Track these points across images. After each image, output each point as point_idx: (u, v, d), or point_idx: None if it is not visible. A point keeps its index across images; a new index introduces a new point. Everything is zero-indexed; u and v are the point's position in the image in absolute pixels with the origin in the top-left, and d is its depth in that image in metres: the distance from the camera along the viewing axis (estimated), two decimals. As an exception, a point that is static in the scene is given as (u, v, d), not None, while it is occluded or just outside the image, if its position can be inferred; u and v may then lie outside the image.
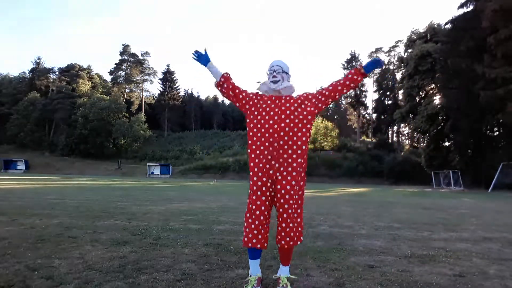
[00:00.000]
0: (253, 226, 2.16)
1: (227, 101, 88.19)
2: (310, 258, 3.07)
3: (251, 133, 2.21)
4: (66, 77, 66.36)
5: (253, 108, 2.24)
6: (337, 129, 52.34)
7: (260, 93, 2.30)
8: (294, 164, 2.13)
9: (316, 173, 40.34)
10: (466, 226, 5.52)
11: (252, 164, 2.20)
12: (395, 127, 58.95)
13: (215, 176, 38.22)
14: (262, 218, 2.15)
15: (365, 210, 7.76)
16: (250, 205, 2.19)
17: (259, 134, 2.16)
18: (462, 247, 3.78)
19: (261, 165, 2.15)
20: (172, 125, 70.10)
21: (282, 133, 2.11)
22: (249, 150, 2.22)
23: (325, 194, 14.70)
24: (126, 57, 70.06)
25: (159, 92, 72.89)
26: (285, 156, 2.12)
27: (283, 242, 2.17)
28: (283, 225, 2.14)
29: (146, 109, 68.87)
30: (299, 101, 2.19)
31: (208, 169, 43.31)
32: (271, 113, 2.15)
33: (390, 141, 57.68)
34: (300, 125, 2.13)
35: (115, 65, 70.26)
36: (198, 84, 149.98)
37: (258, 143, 2.16)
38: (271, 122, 2.13)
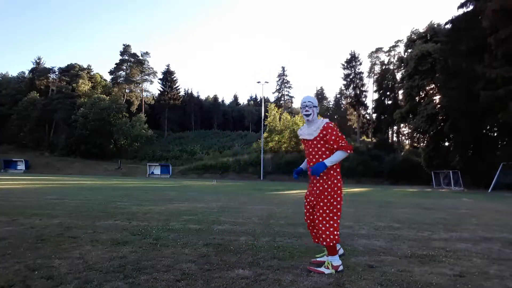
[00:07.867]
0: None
1: (227, 101, 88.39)
2: (310, 258, 3.07)
3: None
4: (66, 77, 66.14)
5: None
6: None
7: (300, 137, 3.10)
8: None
9: (316, 173, 40.21)
10: (466, 226, 5.52)
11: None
12: (395, 127, 58.82)
13: (215, 176, 38.18)
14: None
15: (365, 210, 7.75)
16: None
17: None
18: (462, 247, 3.78)
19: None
20: (172, 125, 70.00)
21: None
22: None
23: (325, 194, 14.66)
24: (126, 57, 69.92)
25: (159, 92, 72.76)
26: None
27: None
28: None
29: (146, 109, 68.85)
30: (318, 138, 2.88)
31: (208, 169, 43.26)
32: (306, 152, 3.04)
33: (390, 141, 57.63)
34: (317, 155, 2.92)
35: (115, 65, 70.20)
36: (198, 84, 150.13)
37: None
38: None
